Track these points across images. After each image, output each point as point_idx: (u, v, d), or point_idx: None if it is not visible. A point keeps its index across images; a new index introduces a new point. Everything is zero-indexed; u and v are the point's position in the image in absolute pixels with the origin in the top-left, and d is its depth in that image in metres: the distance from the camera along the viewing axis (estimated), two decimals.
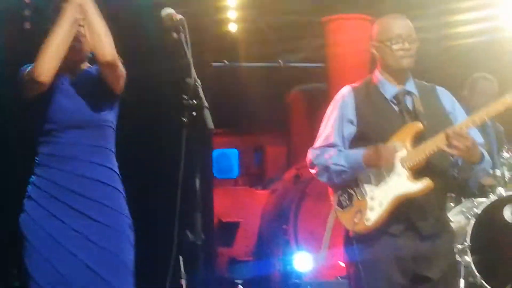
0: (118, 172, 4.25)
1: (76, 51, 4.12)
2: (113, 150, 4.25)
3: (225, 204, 8.83)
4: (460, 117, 4.33)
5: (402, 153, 4.16)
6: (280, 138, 10.74)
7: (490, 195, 6.14)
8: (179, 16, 3.90)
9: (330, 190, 4.41)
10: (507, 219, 6.07)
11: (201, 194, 3.97)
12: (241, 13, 8.37)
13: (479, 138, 4.25)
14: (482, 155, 4.20)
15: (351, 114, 4.29)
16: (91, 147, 4.13)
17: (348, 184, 4.26)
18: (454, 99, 4.44)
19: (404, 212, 4.14)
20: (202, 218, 3.94)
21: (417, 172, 4.14)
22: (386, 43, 4.24)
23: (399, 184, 4.14)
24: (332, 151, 4.27)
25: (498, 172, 6.37)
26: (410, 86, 4.33)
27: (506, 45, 8.20)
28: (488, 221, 6.02)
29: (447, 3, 8.24)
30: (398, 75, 4.30)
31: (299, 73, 10.69)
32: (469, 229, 5.94)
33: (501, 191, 6.13)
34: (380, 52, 4.30)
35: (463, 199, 6.34)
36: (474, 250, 5.89)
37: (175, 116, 4.13)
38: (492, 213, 6.04)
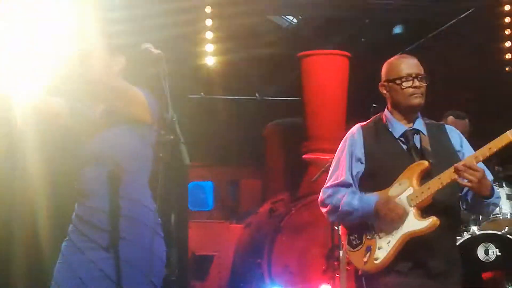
0: (148, 207, 4.12)
1: None
2: (143, 183, 4.17)
3: (199, 237, 8.78)
4: (468, 154, 4.34)
5: (409, 191, 4.20)
6: (255, 172, 10.73)
7: (464, 234, 6.17)
8: (157, 51, 3.92)
9: (342, 230, 4.48)
10: (480, 258, 6.10)
11: (176, 228, 3.95)
12: (218, 46, 8.39)
13: (489, 175, 4.26)
14: (493, 189, 4.21)
15: (359, 152, 4.34)
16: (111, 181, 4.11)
17: (359, 225, 4.29)
18: (462, 136, 4.48)
19: (411, 250, 4.15)
20: (177, 252, 3.92)
21: (425, 211, 4.16)
22: (396, 82, 4.30)
23: (407, 222, 4.16)
24: (345, 191, 4.30)
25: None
26: (419, 125, 4.37)
27: None
28: (462, 259, 6.03)
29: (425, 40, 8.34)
30: (408, 114, 4.35)
31: (275, 106, 10.72)
32: None
33: (474, 229, 6.17)
34: (390, 91, 4.35)
35: None
36: None
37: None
38: (466, 252, 6.06)
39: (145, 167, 4.15)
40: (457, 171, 4.07)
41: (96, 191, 4.04)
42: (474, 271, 6.09)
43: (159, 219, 4.06)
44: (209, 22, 8.16)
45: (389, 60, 4.46)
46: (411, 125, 4.36)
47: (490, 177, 4.27)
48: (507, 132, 4.12)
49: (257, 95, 10.57)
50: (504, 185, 6.49)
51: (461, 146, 4.41)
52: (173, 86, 3.88)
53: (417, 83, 4.29)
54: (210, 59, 8.42)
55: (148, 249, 3.99)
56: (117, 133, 4.09)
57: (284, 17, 9.60)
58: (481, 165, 4.15)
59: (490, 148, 4.13)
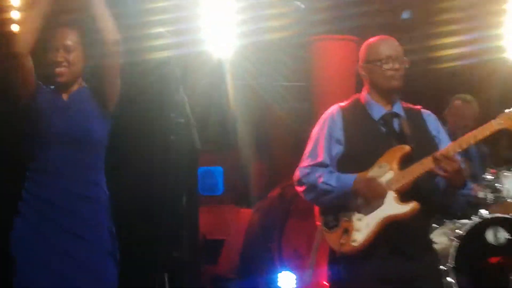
0: (105, 189, 4.29)
1: (62, 76, 4.21)
2: (102, 167, 4.29)
3: (209, 222, 8.80)
4: (444, 140, 4.37)
5: (389, 174, 4.19)
6: (265, 156, 10.73)
7: (472, 217, 6.18)
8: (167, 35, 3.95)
9: (316, 210, 4.43)
10: (489, 241, 6.11)
11: (187, 211, 3.98)
12: (227, 32, 8.37)
13: (462, 163, 4.26)
14: (466, 181, 4.23)
15: (339, 134, 4.32)
16: (81, 164, 4.16)
17: (335, 205, 4.27)
18: (439, 123, 4.49)
19: (390, 234, 4.15)
20: (188, 236, 3.95)
21: (404, 195, 4.16)
22: (376, 64, 4.29)
23: (386, 206, 4.15)
24: (323, 171, 4.28)
25: (481, 194, 6.42)
26: (398, 108, 4.36)
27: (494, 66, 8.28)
28: (471, 242, 6.05)
29: (432, 26, 8.31)
30: (387, 96, 4.35)
31: (283, 92, 10.71)
32: (452, 251, 6.00)
33: (483, 213, 6.17)
34: (369, 73, 4.35)
35: (445, 220, 6.38)
36: (457, 271, 5.92)
37: (163, 135, 4.16)
38: (474, 235, 6.09)
39: (103, 151, 4.28)
40: (435, 159, 4.08)
41: (61, 172, 4.13)
42: (483, 255, 6.11)
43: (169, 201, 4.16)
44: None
45: (368, 41, 4.44)
46: (390, 107, 4.35)
47: (462, 165, 4.24)
48: (492, 121, 4.15)
49: (265, 80, 10.56)
50: (511, 169, 6.49)
51: (438, 132, 4.42)
52: (184, 71, 3.89)
53: (397, 65, 4.28)
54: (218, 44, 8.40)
55: (107, 231, 4.20)
56: (85, 114, 4.20)
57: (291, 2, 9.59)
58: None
59: (475, 136, 4.15)
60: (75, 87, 4.30)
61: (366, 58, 4.37)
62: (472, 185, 4.37)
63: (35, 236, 4.08)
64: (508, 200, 6.41)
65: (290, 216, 7.86)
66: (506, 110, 4.17)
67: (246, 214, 9.22)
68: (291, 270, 7.65)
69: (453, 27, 8.15)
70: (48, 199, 4.11)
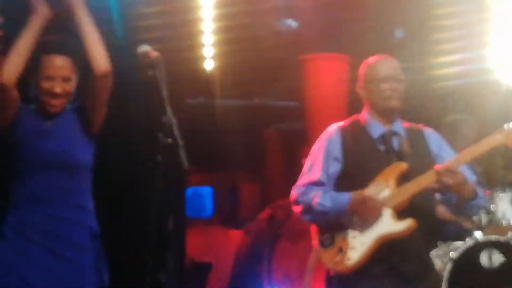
0: (93, 212, 4.25)
1: (57, 107, 4.15)
2: (89, 189, 4.25)
3: (197, 244, 8.73)
4: (447, 157, 4.32)
5: (386, 192, 4.15)
6: (255, 177, 10.68)
7: (466, 240, 6.11)
8: (155, 53, 3.90)
9: (312, 229, 4.39)
10: (483, 264, 6.03)
11: (174, 234, 3.91)
12: (217, 50, 8.32)
13: (470, 175, 4.24)
14: (476, 191, 4.19)
15: (337, 152, 4.30)
16: (67, 188, 4.10)
17: (331, 224, 4.22)
18: (441, 141, 4.47)
19: (386, 252, 4.11)
20: (175, 258, 3.88)
21: (401, 213, 4.12)
22: (374, 83, 4.27)
23: (382, 224, 4.11)
24: (318, 191, 4.23)
25: (475, 216, 6.35)
26: (397, 127, 4.34)
27: (491, 87, 8.24)
28: (464, 265, 5.98)
29: (430, 45, 8.28)
30: (386, 115, 4.32)
31: (275, 111, 10.66)
32: (446, 274, 5.91)
33: (477, 235, 6.10)
34: (368, 93, 4.33)
35: (439, 243, 6.31)
36: None
37: (149, 155, 4.08)
38: (468, 258, 6.01)
39: (89, 174, 4.24)
40: (437, 173, 4.05)
41: (50, 198, 4.07)
42: (477, 278, 6.00)
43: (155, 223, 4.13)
44: (208, 25, 8.09)
45: (367, 61, 4.43)
46: (389, 126, 4.32)
47: (472, 177, 4.25)
48: (490, 136, 4.15)
49: (256, 99, 10.51)
50: (506, 190, 6.42)
51: (440, 150, 4.38)
52: (171, 89, 3.85)
53: (394, 85, 4.25)
54: (209, 63, 8.35)
55: (95, 252, 4.17)
56: (69, 139, 4.14)
57: (283, 21, 9.54)
58: (463, 169, 4.15)
59: (472, 152, 4.14)
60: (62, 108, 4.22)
61: (365, 78, 4.37)
62: (483, 193, 4.32)
63: (19, 260, 4.01)
64: (502, 222, 6.33)
65: (280, 239, 7.79)
66: (505, 126, 4.13)
67: (235, 236, 9.14)
68: None
69: (446, 46, 8.12)
70: (34, 223, 4.04)
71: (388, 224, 4.11)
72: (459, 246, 6.07)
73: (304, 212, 4.30)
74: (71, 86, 4.14)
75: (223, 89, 8.82)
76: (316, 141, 4.44)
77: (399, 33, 8.65)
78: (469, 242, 6.08)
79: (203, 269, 8.79)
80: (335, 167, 4.29)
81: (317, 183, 4.29)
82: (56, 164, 4.08)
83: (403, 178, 4.17)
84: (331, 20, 8.12)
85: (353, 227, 4.16)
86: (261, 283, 7.73)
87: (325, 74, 8.41)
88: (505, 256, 6.03)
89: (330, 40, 8.34)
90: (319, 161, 4.33)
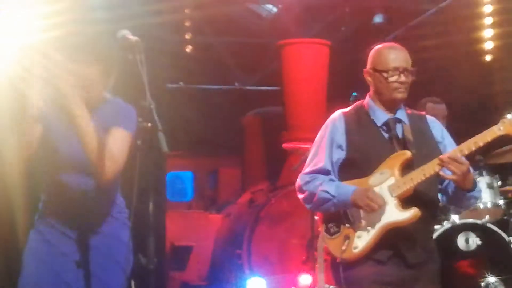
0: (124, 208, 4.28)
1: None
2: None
3: (178, 228, 8.74)
4: (449, 146, 4.33)
5: (390, 180, 4.16)
6: (234, 161, 10.70)
7: (444, 223, 6.16)
8: (134, 38, 3.88)
9: (319, 217, 4.43)
10: (460, 247, 6.09)
11: (154, 217, 3.92)
12: (197, 35, 8.33)
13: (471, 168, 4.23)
14: (475, 182, 4.21)
15: (340, 139, 4.29)
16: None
17: (337, 212, 4.25)
18: (443, 128, 4.45)
19: (391, 240, 4.13)
20: (155, 242, 3.89)
21: (405, 201, 4.13)
22: (383, 74, 4.24)
23: (387, 212, 4.12)
24: (323, 179, 4.26)
25: None
26: (401, 114, 4.33)
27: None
28: (442, 248, 6.01)
29: (405, 30, 8.33)
30: (390, 105, 4.31)
31: (254, 95, 10.69)
32: None
33: (455, 218, 6.15)
34: (375, 81, 4.30)
35: None
36: None
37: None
38: (446, 240, 6.06)
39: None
40: (441, 162, 4.05)
41: (74, 193, 4.07)
42: (454, 260, 6.07)
43: (126, 210, 4.16)
44: (189, 10, 8.09)
45: (378, 48, 4.38)
46: (393, 113, 4.32)
47: (472, 169, 4.23)
48: (494, 127, 4.11)
49: (236, 84, 10.53)
50: (484, 174, 6.47)
51: (442, 137, 4.39)
52: (151, 74, 3.84)
53: (403, 78, 4.24)
54: (189, 48, 8.37)
55: (117, 238, 4.16)
56: None
57: (263, 6, 9.56)
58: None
59: (475, 142, 4.10)
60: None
61: (373, 65, 4.32)
62: (480, 187, 4.34)
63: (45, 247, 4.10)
64: (479, 205, 6.38)
65: (259, 222, 7.81)
66: (508, 116, 4.13)
67: (215, 220, 9.18)
68: (260, 276, 7.59)
69: (427, 30, 8.15)
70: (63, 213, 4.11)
71: (393, 213, 4.11)
72: (436, 229, 6.10)
73: (308, 199, 4.30)
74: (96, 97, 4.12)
75: (202, 73, 8.85)
76: (322, 127, 4.41)
77: (378, 18, 8.69)
78: (446, 225, 6.14)
79: (183, 253, 8.82)
80: (339, 155, 4.28)
81: (323, 171, 4.29)
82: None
83: (408, 166, 4.17)
84: (310, 5, 8.14)
85: (359, 217, 4.18)
86: (241, 266, 7.75)
87: (303, 59, 8.42)
88: (482, 239, 6.10)
89: (309, 25, 8.38)
90: (323, 148, 4.32)
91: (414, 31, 8.42)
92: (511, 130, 4.09)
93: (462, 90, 8.51)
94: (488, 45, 8.58)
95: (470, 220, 6.16)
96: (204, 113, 10.16)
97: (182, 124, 9.30)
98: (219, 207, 9.85)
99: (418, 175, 4.11)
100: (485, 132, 4.11)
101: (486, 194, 6.41)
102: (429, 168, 4.09)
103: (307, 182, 4.30)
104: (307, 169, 4.35)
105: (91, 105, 4.03)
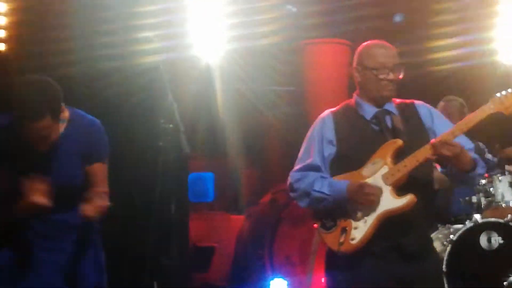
0: None
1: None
2: None
3: (200, 229, 8.76)
4: (441, 127, 4.33)
5: (383, 169, 4.17)
6: (256, 162, 10.69)
7: (466, 222, 6.14)
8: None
9: (311, 213, 4.40)
10: (483, 246, 6.07)
11: (177, 219, 3.94)
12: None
13: (468, 144, 4.26)
14: (474, 162, 4.21)
15: (330, 135, 4.31)
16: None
17: (331, 208, 4.24)
18: (432, 111, 4.46)
19: (388, 229, 4.13)
20: (177, 243, 3.91)
21: (400, 189, 4.15)
22: (372, 71, 4.27)
23: (383, 200, 4.14)
24: (314, 177, 4.26)
25: (474, 199, 6.40)
26: (389, 105, 4.35)
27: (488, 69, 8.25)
28: (464, 248, 6.02)
29: (426, 29, 8.29)
30: (378, 101, 4.34)
31: (274, 96, 10.67)
32: (446, 256, 5.95)
33: (477, 217, 6.13)
34: (363, 78, 4.34)
35: (439, 226, 6.36)
36: (450, 276, 5.88)
37: (151, 141, 4.11)
38: (468, 240, 6.05)
39: None
40: (433, 147, 4.07)
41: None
42: (477, 259, 6.04)
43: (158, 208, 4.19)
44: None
45: (366, 45, 4.41)
46: (381, 106, 4.33)
47: (470, 145, 4.26)
48: (484, 106, 4.15)
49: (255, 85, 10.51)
50: (506, 173, 6.45)
51: (432, 122, 4.39)
52: (174, 75, 3.86)
53: (391, 76, 4.27)
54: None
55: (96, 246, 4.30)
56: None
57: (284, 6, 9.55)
58: (461, 140, 4.16)
59: (467, 123, 4.14)
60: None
61: (361, 62, 4.35)
62: (483, 162, 4.34)
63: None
64: (501, 204, 6.36)
65: (281, 223, 7.83)
66: (497, 94, 4.17)
67: (237, 221, 9.18)
68: (283, 276, 7.60)
69: (446, 29, 8.12)
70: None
71: (389, 201, 4.13)
72: (459, 229, 6.11)
73: (301, 198, 4.31)
74: (55, 134, 4.20)
75: (223, 75, 8.83)
76: (311, 127, 4.44)
77: (398, 17, 8.67)
78: (468, 224, 6.12)
79: (205, 254, 8.83)
80: (330, 150, 4.29)
81: (313, 167, 4.30)
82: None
83: (400, 155, 4.19)
84: (330, 6, 8.13)
85: (355, 209, 4.18)
86: (263, 266, 7.77)
87: (324, 59, 8.44)
88: (504, 238, 6.06)
89: (329, 25, 8.36)
90: (313, 145, 4.33)
91: (434, 30, 8.38)
92: (501, 108, 4.13)
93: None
94: None
95: (492, 219, 6.12)
96: (226, 114, 10.14)
97: (203, 125, 9.31)
98: (240, 208, 9.85)
99: (412, 161, 4.12)
100: (476, 111, 4.16)
101: (508, 193, 6.39)
102: (422, 154, 4.11)
103: (298, 180, 4.31)
104: (297, 166, 4.36)
105: None
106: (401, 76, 4.31)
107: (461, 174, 4.22)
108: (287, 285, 7.53)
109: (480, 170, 4.26)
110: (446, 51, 8.19)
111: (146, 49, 5.74)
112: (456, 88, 8.01)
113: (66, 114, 4.24)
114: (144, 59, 5.64)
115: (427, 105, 4.50)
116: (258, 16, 8.04)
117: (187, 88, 7.20)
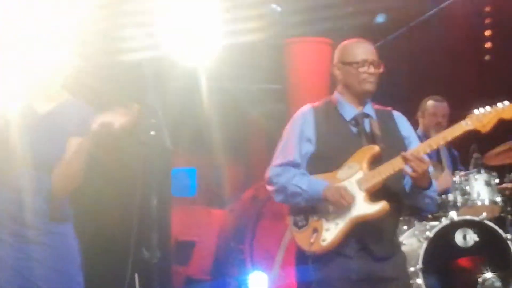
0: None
1: None
2: None
3: (182, 223, 8.79)
4: (414, 142, 4.41)
5: (358, 174, 4.22)
6: (239, 158, 10.73)
7: (442, 219, 6.22)
8: None
9: (286, 210, 4.44)
10: (458, 243, 6.15)
11: (158, 212, 3.98)
12: None
13: (430, 167, 4.30)
14: (431, 182, 4.27)
15: (310, 132, 4.35)
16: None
17: (304, 206, 4.29)
18: (409, 124, 4.54)
19: (359, 233, 4.19)
20: (159, 237, 3.96)
21: (373, 195, 4.19)
22: (353, 66, 4.33)
23: (356, 205, 4.18)
24: (294, 172, 4.29)
25: (450, 197, 6.47)
26: (369, 109, 4.41)
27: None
28: (440, 244, 6.09)
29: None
30: (359, 98, 4.39)
31: (258, 94, 10.72)
32: (421, 252, 6.00)
33: (453, 215, 6.21)
34: (344, 74, 4.39)
35: (415, 222, 6.43)
36: (425, 273, 5.95)
37: (133, 135, 4.16)
38: (444, 237, 6.11)
39: None
40: (404, 159, 4.12)
41: (27, 192, 4.09)
42: (452, 256, 6.14)
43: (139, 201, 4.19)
44: None
45: (345, 43, 4.48)
46: (361, 108, 4.39)
47: (430, 168, 4.29)
48: (462, 122, 4.23)
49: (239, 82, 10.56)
50: (482, 172, 6.53)
51: (409, 133, 4.47)
52: (158, 72, 3.89)
53: (372, 69, 4.33)
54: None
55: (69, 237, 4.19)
56: (52, 138, 4.15)
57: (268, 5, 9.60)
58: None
59: (444, 137, 4.22)
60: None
61: (342, 59, 4.41)
62: (436, 187, 4.40)
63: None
64: (477, 202, 6.45)
65: (262, 218, 7.88)
66: (475, 111, 4.23)
67: (218, 215, 9.22)
68: (263, 271, 7.66)
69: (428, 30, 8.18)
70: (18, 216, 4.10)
71: (362, 206, 4.17)
72: (435, 226, 6.18)
73: (278, 192, 4.34)
74: None
75: (208, 72, 8.88)
76: (290, 120, 4.48)
77: (380, 18, 8.74)
78: (444, 221, 6.19)
79: (186, 247, 8.87)
80: (308, 148, 4.33)
81: (293, 164, 4.33)
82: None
83: (376, 161, 4.23)
84: (314, 4, 8.18)
85: (327, 210, 4.23)
86: (244, 261, 7.82)
87: (307, 58, 8.50)
88: (479, 236, 6.14)
89: (312, 24, 8.42)
90: (292, 141, 4.37)
91: (416, 31, 8.47)
92: (478, 126, 4.21)
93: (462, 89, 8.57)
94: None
95: (468, 217, 6.20)
96: (209, 110, 10.16)
97: (187, 121, 9.35)
98: (222, 203, 9.89)
99: (387, 169, 4.18)
100: (453, 126, 4.24)
101: (484, 191, 6.47)
102: (397, 163, 4.15)
103: (278, 175, 4.34)
104: (277, 160, 4.39)
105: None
106: (381, 70, 4.38)
107: (416, 190, 4.26)
108: (267, 279, 7.58)
109: (431, 192, 4.32)
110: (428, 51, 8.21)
111: (130, 47, 5.75)
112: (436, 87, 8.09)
113: None
114: (128, 56, 5.64)
115: (403, 116, 4.57)
116: (242, 14, 8.10)
117: (172, 84, 7.24)
